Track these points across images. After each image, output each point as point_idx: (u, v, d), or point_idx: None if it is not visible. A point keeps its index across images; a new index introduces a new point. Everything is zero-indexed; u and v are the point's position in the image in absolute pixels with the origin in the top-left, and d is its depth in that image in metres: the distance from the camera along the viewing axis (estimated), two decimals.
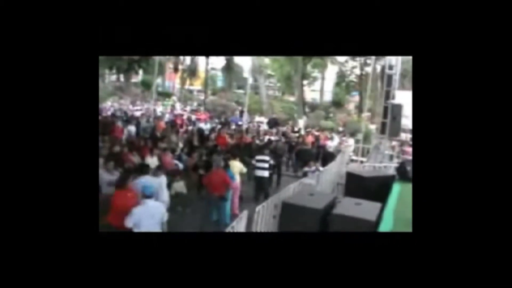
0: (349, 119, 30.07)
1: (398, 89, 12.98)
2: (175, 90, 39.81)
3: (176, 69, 38.96)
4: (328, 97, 37.77)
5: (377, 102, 21.60)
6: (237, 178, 8.65)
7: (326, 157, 12.92)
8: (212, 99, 34.90)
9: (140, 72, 37.62)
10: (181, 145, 11.83)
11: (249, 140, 14.70)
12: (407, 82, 20.58)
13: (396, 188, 7.03)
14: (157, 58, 24.51)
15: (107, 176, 6.71)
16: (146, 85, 34.89)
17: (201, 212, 7.56)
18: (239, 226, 5.12)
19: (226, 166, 8.12)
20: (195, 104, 34.28)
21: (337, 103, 35.63)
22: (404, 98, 12.92)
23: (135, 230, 4.91)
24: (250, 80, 29.91)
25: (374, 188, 7.07)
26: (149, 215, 4.97)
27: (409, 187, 4.20)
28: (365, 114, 22.11)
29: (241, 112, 27.52)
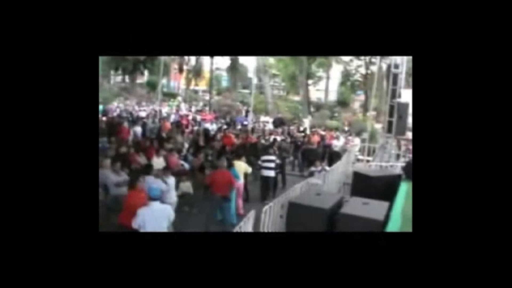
0: (354, 118, 30.00)
1: (404, 88, 12.91)
2: (180, 90, 39.89)
3: (181, 70, 39.02)
4: (333, 96, 37.70)
5: (382, 101, 21.53)
6: (241, 178, 8.65)
7: (332, 157, 12.90)
8: (217, 99, 34.94)
9: (146, 73, 37.73)
10: (186, 145, 11.85)
11: (255, 140, 14.70)
12: None
13: (404, 187, 7.01)
14: (162, 59, 24.55)
15: (114, 177, 6.73)
16: (151, 86, 34.99)
17: (207, 212, 7.56)
18: (246, 226, 5.12)
19: (230, 166, 8.12)
20: (200, 104, 34.33)
21: (343, 103, 35.56)
22: (410, 96, 12.86)
23: (141, 231, 4.91)
24: (255, 80, 29.92)
25: (381, 188, 7.05)
26: (155, 217, 4.96)
27: None
28: (371, 113, 22.04)
29: (247, 112, 27.53)
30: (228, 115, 27.96)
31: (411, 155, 13.91)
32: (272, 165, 9.90)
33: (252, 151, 11.70)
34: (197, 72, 40.19)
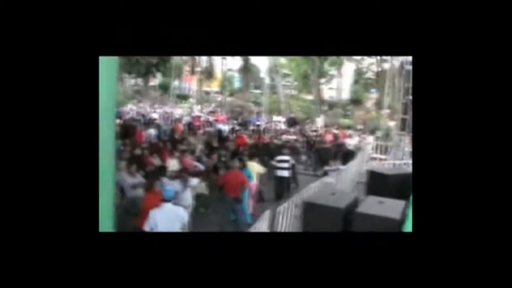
0: (368, 116, 29.78)
1: None
2: (193, 92, 40.04)
3: (193, 71, 39.16)
4: (346, 95, 37.48)
5: (396, 98, 21.34)
6: (255, 179, 8.66)
7: (346, 156, 12.82)
8: (229, 100, 35.00)
9: (158, 75, 37.97)
10: (200, 146, 11.91)
11: (268, 140, 14.70)
12: None
13: None
14: (174, 61, 24.67)
15: (130, 179, 6.79)
16: (164, 88, 35.22)
17: (222, 212, 7.58)
18: (261, 226, 5.12)
19: (243, 167, 8.13)
20: (212, 105, 34.43)
21: (356, 101, 35.32)
22: None
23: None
24: (267, 80, 29.90)
25: (397, 186, 6.97)
26: (167, 219, 4.94)
27: None
28: (385, 111, 21.86)
29: (259, 113, 27.54)
30: (241, 115, 27.99)
31: None
32: (287, 165, 9.90)
33: (265, 151, 11.69)
34: (209, 74, 40.29)
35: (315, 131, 20.86)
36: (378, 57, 31.47)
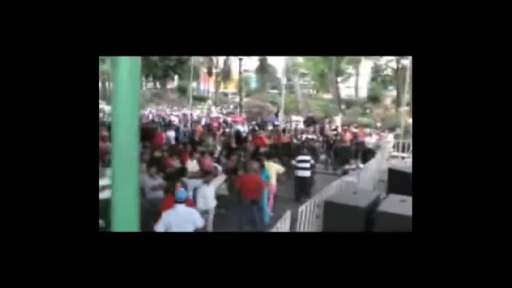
0: (387, 114, 29.49)
1: None
2: (210, 94, 40.32)
3: (210, 73, 39.45)
4: (364, 93, 37.20)
5: None
6: (274, 179, 8.65)
7: (366, 154, 12.72)
8: (247, 101, 35.09)
9: (176, 78, 38.35)
10: (219, 148, 11.95)
11: (287, 140, 14.67)
12: None
13: None
14: (191, 63, 24.83)
15: (150, 181, 6.86)
16: (181, 90, 35.54)
17: (240, 214, 7.58)
18: (283, 226, 5.11)
19: (262, 167, 8.12)
20: (230, 106, 34.57)
21: (374, 99, 35.02)
22: None
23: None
24: (284, 80, 29.90)
25: None
26: (179, 220, 4.95)
27: None
28: (404, 108, 21.60)
29: (277, 113, 27.53)
30: (259, 116, 28.03)
31: None
32: (307, 165, 9.87)
33: (284, 151, 11.68)
34: (225, 75, 40.51)
35: (334, 130, 20.75)
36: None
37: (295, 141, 14.48)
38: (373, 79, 36.70)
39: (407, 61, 23.68)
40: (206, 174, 7.23)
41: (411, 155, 13.11)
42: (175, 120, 22.55)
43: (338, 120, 25.75)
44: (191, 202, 5.71)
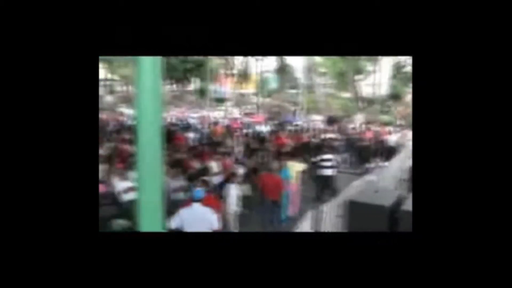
0: (408, 111, 29.06)
1: None
2: (229, 95, 40.45)
3: (228, 75, 39.59)
4: (384, 90, 36.76)
5: None
6: (295, 179, 8.62)
7: (387, 152, 12.57)
8: (266, 101, 35.08)
9: (195, 80, 38.60)
10: (239, 148, 11.98)
11: (307, 139, 14.61)
12: None
13: None
14: (209, 65, 24.94)
15: (172, 183, 6.92)
16: (200, 92, 35.76)
17: (265, 213, 7.58)
18: (304, 226, 5.09)
19: (282, 168, 8.11)
20: (249, 107, 34.62)
21: (395, 96, 34.56)
22: None
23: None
24: (303, 80, 29.80)
25: None
26: (194, 219, 4.96)
27: None
28: None
29: (296, 112, 27.45)
30: (279, 116, 28.00)
31: None
32: (330, 164, 9.80)
33: (305, 151, 11.63)
34: (244, 76, 40.58)
35: (354, 128, 20.57)
36: None
37: (315, 140, 14.39)
38: (394, 76, 36.21)
39: None
40: (231, 175, 7.27)
41: None
42: (194, 121, 22.70)
43: (358, 118, 25.52)
44: (212, 201, 5.70)
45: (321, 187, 9.83)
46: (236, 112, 31.28)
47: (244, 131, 18.53)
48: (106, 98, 41.68)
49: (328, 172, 9.75)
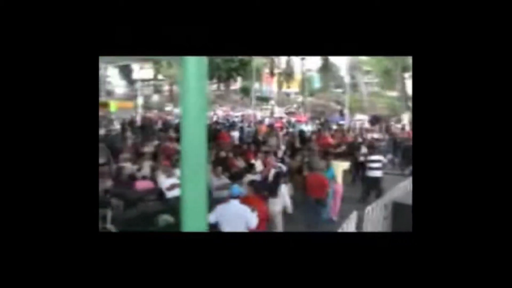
0: None
1: None
2: (273, 94, 40.51)
3: (272, 74, 39.67)
4: None
5: None
6: (339, 179, 8.51)
7: None
8: (310, 100, 34.87)
9: (239, 79, 38.95)
10: (283, 147, 11.97)
11: (351, 139, 14.39)
12: None
13: None
14: (254, 64, 25.08)
15: (216, 181, 7.01)
16: (244, 91, 36.05)
17: (308, 213, 7.54)
18: (349, 227, 5.02)
19: (327, 167, 8.02)
20: (293, 106, 34.53)
21: None
22: None
23: (219, 228, 4.94)
24: (348, 78, 29.37)
25: None
26: (230, 216, 4.95)
27: None
28: None
29: (341, 111, 27.12)
30: (322, 115, 27.75)
31: None
32: (379, 165, 9.58)
33: (349, 151, 11.46)
34: (288, 75, 40.53)
35: (401, 128, 20.06)
36: None
37: (359, 140, 14.14)
38: None
39: None
40: (278, 175, 7.28)
41: None
42: (238, 120, 22.92)
43: (405, 118, 24.85)
44: (257, 201, 5.71)
45: (367, 189, 9.64)
46: (280, 111, 31.29)
47: (288, 130, 18.49)
48: (153, 97, 42.87)
49: (376, 173, 9.53)
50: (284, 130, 18.15)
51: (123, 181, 7.79)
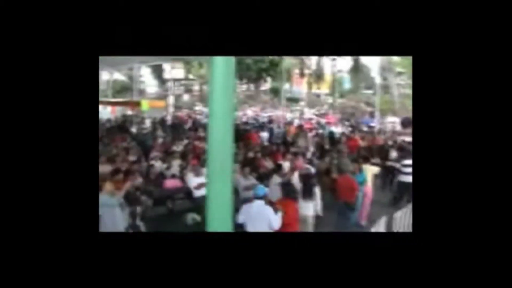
0: None
1: None
2: (303, 95, 40.33)
3: (302, 74, 39.48)
4: None
5: None
6: (370, 183, 8.36)
7: None
8: (340, 101, 34.52)
9: (269, 79, 38.95)
10: (311, 149, 11.89)
11: (382, 141, 14.14)
12: None
13: None
14: (284, 65, 25.01)
15: (243, 181, 7.02)
16: (274, 92, 36.01)
17: (337, 215, 7.45)
18: (377, 231, 4.92)
19: (359, 171, 7.90)
20: (324, 107, 34.26)
21: None
22: None
23: (245, 228, 4.98)
24: (379, 80, 28.93)
25: None
26: (254, 216, 4.98)
27: None
28: None
29: (372, 113, 26.72)
30: (353, 117, 27.42)
31: None
32: (412, 169, 9.33)
33: (379, 154, 11.26)
34: (318, 76, 40.26)
35: None
36: None
37: (390, 143, 13.88)
38: None
39: None
40: (308, 177, 7.22)
41: None
42: (268, 121, 22.93)
43: None
44: (287, 203, 5.67)
45: (399, 194, 9.44)
46: (309, 112, 31.13)
47: (317, 131, 18.36)
48: (183, 97, 43.41)
49: (409, 178, 9.31)
50: (314, 132, 18.03)
51: (152, 179, 7.92)
